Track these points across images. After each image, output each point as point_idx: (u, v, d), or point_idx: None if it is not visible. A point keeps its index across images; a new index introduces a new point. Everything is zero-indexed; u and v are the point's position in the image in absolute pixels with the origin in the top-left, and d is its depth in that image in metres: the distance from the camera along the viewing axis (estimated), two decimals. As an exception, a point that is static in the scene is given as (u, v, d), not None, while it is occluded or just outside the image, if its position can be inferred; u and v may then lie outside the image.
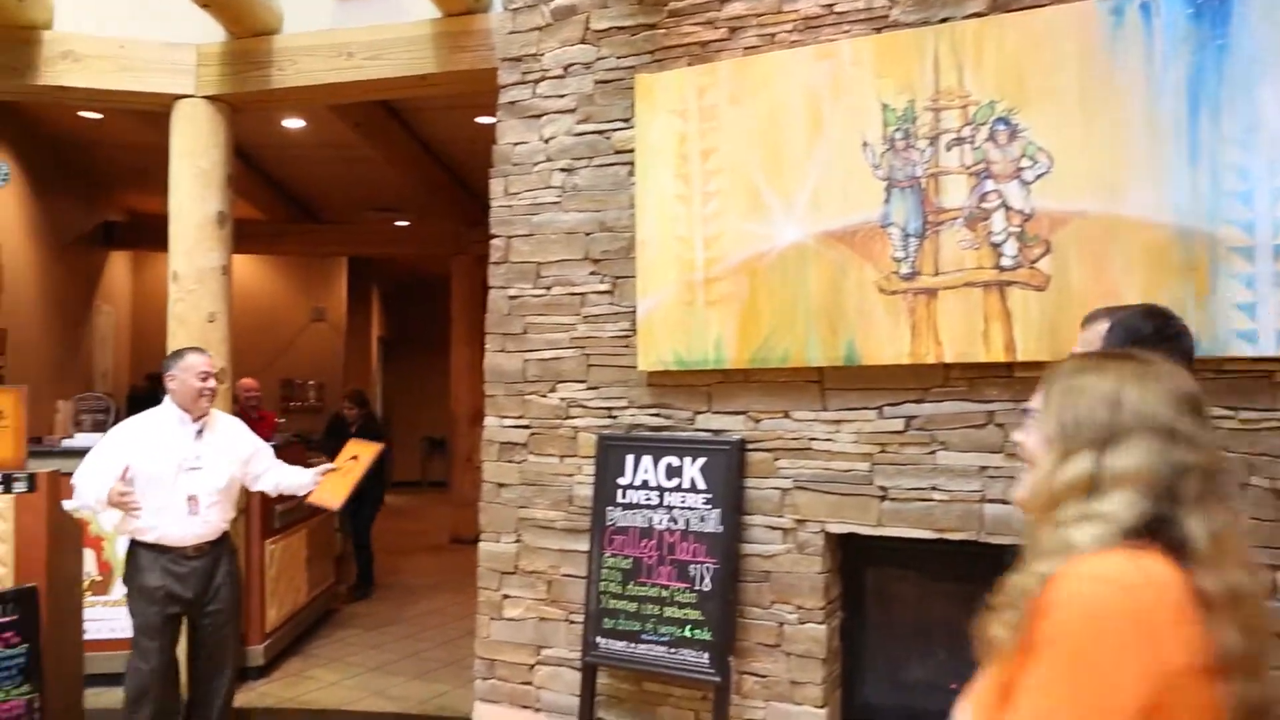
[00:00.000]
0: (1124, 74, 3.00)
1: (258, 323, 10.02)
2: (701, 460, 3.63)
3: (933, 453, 3.35)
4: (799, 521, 3.53)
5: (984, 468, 3.26)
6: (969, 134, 3.21)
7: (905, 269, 3.29)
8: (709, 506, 3.59)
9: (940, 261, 3.24)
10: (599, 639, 3.74)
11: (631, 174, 3.86)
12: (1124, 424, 1.17)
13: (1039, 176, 3.11)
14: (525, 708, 4.02)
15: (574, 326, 3.99)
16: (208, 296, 4.87)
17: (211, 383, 3.63)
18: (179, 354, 3.72)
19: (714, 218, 3.61)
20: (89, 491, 3.40)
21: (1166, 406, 1.17)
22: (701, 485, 3.61)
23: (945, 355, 3.25)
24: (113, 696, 4.60)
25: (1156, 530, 1.12)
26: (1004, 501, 3.20)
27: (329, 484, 3.84)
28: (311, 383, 11.18)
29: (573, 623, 3.93)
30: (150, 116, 5.78)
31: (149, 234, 9.30)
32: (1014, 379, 3.22)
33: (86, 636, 4.20)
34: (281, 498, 4.52)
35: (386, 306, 14.19)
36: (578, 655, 3.84)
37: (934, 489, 3.33)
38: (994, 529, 3.23)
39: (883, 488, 3.41)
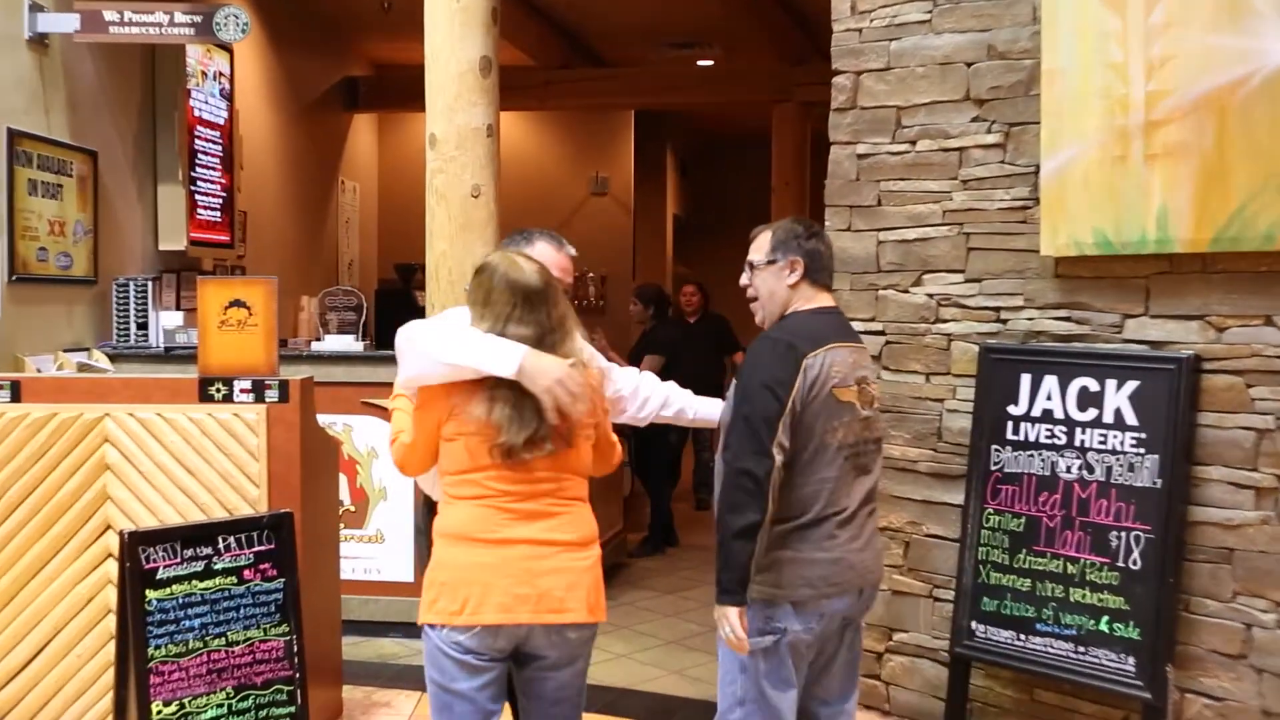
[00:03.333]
0: None
1: (527, 198, 10.56)
2: (1132, 384, 3.52)
3: None
4: (1283, 479, 3.31)
5: None
6: None
7: None
8: (1141, 451, 3.48)
9: None
10: (976, 625, 3.75)
11: (1036, -28, 3.72)
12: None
13: None
14: (870, 708, 4.11)
15: (948, 195, 3.96)
16: (471, 165, 5.21)
17: (568, 280, 3.23)
18: (527, 236, 3.34)
19: (1162, 31, 3.41)
20: None
21: (505, 273, 2.78)
22: (1131, 420, 3.51)
23: None
24: (369, 649, 5.22)
25: None
26: None
27: None
28: (592, 275, 11.59)
29: (939, 600, 3.97)
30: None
31: (398, 91, 10.08)
32: None
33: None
34: None
35: (685, 175, 14.55)
36: (945, 644, 3.88)
37: None
38: None
39: None
